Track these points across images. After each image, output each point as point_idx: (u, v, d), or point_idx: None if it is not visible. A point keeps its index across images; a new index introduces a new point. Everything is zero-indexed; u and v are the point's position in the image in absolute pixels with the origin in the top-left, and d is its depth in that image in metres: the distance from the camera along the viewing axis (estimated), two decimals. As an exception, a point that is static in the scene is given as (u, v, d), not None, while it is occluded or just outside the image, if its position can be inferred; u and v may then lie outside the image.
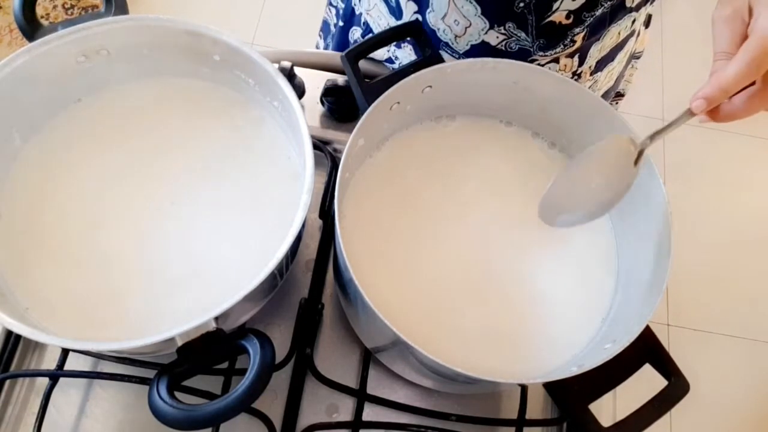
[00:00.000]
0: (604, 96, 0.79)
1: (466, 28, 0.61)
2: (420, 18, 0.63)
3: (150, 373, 0.52)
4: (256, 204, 0.52)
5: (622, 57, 0.75)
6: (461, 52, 0.64)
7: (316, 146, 0.55)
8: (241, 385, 0.39)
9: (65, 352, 0.54)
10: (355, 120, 0.47)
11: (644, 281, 0.48)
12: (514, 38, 0.61)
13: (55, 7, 1.67)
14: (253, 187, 0.53)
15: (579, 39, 0.62)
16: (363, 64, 0.50)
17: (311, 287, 0.58)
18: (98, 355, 0.54)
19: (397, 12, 0.66)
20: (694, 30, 1.78)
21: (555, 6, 0.57)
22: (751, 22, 0.42)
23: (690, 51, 1.74)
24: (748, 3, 0.42)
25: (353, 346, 0.57)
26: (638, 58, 0.83)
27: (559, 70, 0.66)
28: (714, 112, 0.43)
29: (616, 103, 0.88)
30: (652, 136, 0.45)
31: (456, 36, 0.63)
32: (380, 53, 0.74)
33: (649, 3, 0.66)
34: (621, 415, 0.50)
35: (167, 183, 0.52)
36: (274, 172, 0.53)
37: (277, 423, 0.52)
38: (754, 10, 0.42)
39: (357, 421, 0.53)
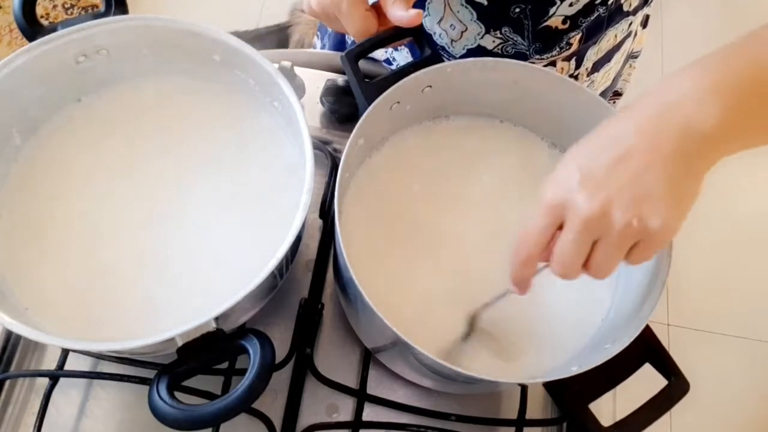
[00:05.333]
0: (602, 96, 0.79)
1: (462, 32, 0.61)
2: None
3: (150, 373, 0.52)
4: (255, 204, 0.52)
5: (619, 57, 0.74)
6: (457, 56, 0.64)
7: (316, 146, 0.55)
8: (241, 385, 0.39)
9: (65, 352, 0.54)
10: (355, 120, 0.47)
11: (644, 281, 0.48)
12: (510, 42, 0.61)
13: (55, 7, 1.67)
14: (253, 187, 0.53)
15: (575, 42, 0.62)
16: (363, 64, 0.50)
17: (311, 287, 0.58)
18: (98, 355, 0.54)
19: None
20: (694, 29, 1.78)
21: (551, 11, 0.57)
22: None
23: (689, 50, 1.73)
24: None
25: (353, 346, 0.57)
26: (636, 57, 0.83)
27: None
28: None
29: (614, 102, 0.88)
30: None
31: (452, 40, 0.63)
32: (378, 54, 0.74)
33: (646, 5, 0.66)
34: (621, 415, 0.50)
35: (167, 183, 0.52)
36: (274, 172, 0.53)
37: (277, 423, 0.52)
38: None
39: (357, 421, 0.53)
